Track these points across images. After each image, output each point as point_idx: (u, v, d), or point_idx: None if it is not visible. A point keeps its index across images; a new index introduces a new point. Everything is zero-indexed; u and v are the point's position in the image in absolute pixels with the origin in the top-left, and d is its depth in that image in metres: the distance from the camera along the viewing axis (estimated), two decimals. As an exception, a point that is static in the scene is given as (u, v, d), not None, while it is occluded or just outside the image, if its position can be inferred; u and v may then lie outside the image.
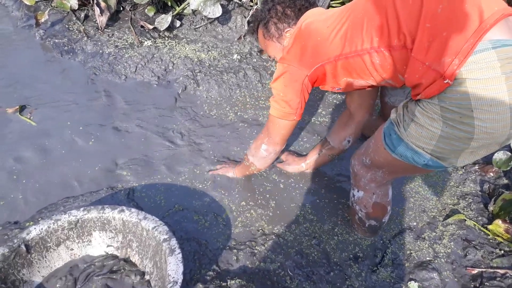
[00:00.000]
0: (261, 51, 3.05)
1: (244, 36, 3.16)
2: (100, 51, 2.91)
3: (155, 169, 2.07)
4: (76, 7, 3.16)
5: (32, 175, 1.97)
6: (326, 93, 2.75)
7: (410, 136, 1.31)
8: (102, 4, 3.03)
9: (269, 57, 1.76)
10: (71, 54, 2.91)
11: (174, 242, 1.39)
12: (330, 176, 2.13)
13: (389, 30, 1.26)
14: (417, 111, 1.28)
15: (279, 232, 1.80)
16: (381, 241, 1.81)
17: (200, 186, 1.99)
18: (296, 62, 1.51)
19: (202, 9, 2.89)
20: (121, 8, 3.30)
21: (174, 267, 1.30)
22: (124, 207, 1.53)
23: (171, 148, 2.21)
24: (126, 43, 3.00)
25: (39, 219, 1.75)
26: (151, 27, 3.10)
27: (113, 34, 3.07)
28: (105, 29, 3.11)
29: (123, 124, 2.35)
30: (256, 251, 1.69)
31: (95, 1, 3.03)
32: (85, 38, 3.02)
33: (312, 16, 1.52)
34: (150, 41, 3.03)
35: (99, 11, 3.04)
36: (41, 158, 2.08)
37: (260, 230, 1.80)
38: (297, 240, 1.77)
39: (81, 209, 1.52)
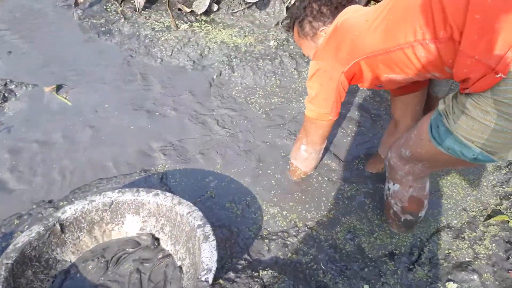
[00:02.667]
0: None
1: (281, 23, 3.09)
2: (137, 33, 2.91)
3: (189, 154, 2.06)
4: (115, -12, 3.17)
5: (66, 155, 1.99)
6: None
7: (460, 129, 1.24)
8: (140, -14, 3.02)
9: (303, 55, 1.72)
10: (108, 35, 2.92)
11: (208, 228, 1.37)
12: (366, 172, 2.06)
13: (434, 21, 1.18)
14: (469, 104, 1.20)
15: (312, 225, 1.75)
16: (418, 239, 1.74)
17: (233, 173, 1.96)
18: (331, 59, 1.46)
19: (240, -7, 2.84)
20: (159, -10, 3.29)
21: (208, 254, 1.28)
22: (159, 191, 1.52)
23: (205, 134, 2.19)
24: (163, 26, 2.98)
25: (73, 199, 1.76)
26: (188, 10, 3.07)
27: (150, 16, 3.06)
28: (142, 11, 3.10)
29: (158, 107, 2.34)
30: (288, 243, 1.66)
31: (133, -17, 3.02)
32: (122, 20, 3.02)
33: (349, 12, 1.46)
34: (187, 24, 3.01)
35: (137, -7, 3.03)
36: (75, 138, 2.09)
37: (293, 222, 1.76)
38: (330, 233, 1.73)
39: (116, 191, 1.52)
